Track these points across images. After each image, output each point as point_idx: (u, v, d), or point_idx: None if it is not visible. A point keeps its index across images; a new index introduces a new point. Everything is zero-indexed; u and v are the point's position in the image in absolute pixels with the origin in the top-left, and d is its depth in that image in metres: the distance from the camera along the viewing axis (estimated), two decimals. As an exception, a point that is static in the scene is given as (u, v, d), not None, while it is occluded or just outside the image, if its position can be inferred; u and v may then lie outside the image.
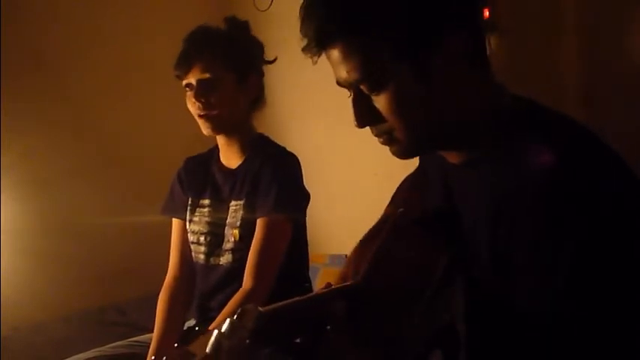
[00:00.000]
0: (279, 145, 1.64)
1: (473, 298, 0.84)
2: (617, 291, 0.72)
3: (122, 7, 2.58)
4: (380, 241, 0.87)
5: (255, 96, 1.60)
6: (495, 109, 0.84)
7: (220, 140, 1.62)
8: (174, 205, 1.69)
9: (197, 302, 1.65)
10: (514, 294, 0.78)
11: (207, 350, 0.71)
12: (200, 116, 1.53)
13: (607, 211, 0.72)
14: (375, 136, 0.85)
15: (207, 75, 1.50)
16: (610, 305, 0.72)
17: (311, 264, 1.72)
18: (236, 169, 1.61)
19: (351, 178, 2.42)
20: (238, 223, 1.54)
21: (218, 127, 1.55)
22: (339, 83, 0.85)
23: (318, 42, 0.81)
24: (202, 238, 1.61)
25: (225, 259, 1.57)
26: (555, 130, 0.81)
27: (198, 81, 1.51)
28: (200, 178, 1.67)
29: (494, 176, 0.82)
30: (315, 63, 0.84)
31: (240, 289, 1.48)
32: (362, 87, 0.81)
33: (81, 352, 1.59)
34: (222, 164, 1.65)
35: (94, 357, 1.57)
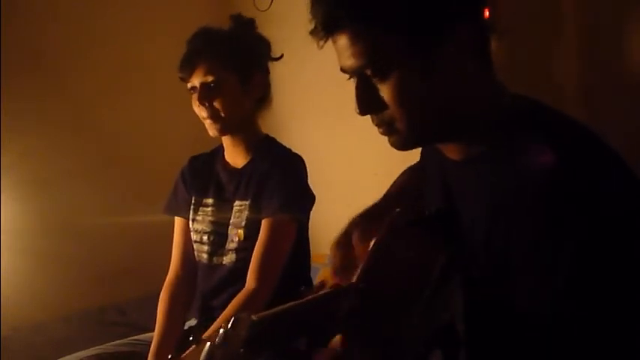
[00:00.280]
0: (285, 147, 1.64)
1: (472, 298, 0.84)
2: (617, 291, 0.72)
3: (122, 7, 2.58)
4: (377, 240, 0.87)
5: (260, 95, 1.60)
6: (496, 107, 0.84)
7: (226, 140, 1.62)
8: (177, 204, 1.69)
9: (199, 302, 1.65)
10: (514, 294, 0.78)
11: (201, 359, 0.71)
12: (205, 118, 1.54)
13: (607, 211, 0.72)
14: (376, 125, 0.85)
15: (209, 78, 1.50)
16: (610, 305, 0.72)
17: (311, 264, 1.72)
18: (241, 168, 1.61)
19: (351, 178, 2.42)
20: (243, 223, 1.54)
21: (224, 129, 1.55)
22: (343, 70, 0.84)
23: (325, 26, 0.81)
24: (205, 238, 1.61)
25: (228, 258, 1.57)
26: (556, 130, 0.81)
27: (202, 84, 1.51)
28: (204, 177, 1.67)
29: (494, 175, 0.82)
30: (320, 47, 0.84)
31: (244, 289, 1.48)
32: (367, 73, 0.81)
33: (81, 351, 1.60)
34: (227, 163, 1.65)
35: (94, 355, 1.58)
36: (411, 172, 1.15)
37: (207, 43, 1.53)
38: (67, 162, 2.38)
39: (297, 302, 0.80)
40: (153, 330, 1.61)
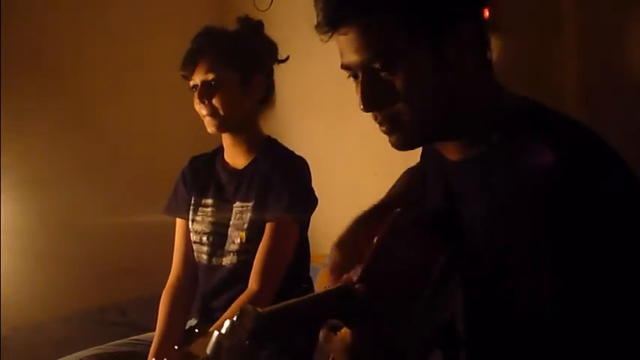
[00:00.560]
0: (287, 148, 1.64)
1: (472, 298, 0.84)
2: (618, 291, 0.72)
3: (122, 7, 2.58)
4: (378, 240, 0.87)
5: (261, 96, 1.60)
6: (495, 107, 0.84)
7: (226, 140, 1.62)
8: (177, 204, 1.69)
9: (199, 302, 1.65)
10: (514, 294, 0.78)
11: (208, 351, 0.72)
12: (204, 116, 1.54)
13: (607, 211, 0.72)
14: (379, 122, 0.84)
15: (210, 76, 1.50)
16: (610, 305, 0.72)
17: (311, 264, 1.72)
18: (242, 169, 1.61)
19: (351, 178, 2.42)
20: (245, 225, 1.54)
21: (222, 126, 1.55)
22: (347, 66, 0.83)
23: (331, 20, 0.80)
24: (205, 238, 1.61)
25: (228, 260, 1.57)
26: (556, 130, 0.81)
27: (202, 82, 1.51)
28: (204, 177, 1.67)
29: (494, 175, 0.82)
30: (325, 42, 0.83)
31: (247, 290, 1.48)
32: (375, 67, 0.80)
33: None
34: (227, 163, 1.65)
35: (94, 355, 1.58)
36: (411, 174, 1.15)
37: (209, 42, 1.54)
38: (67, 162, 2.38)
39: (301, 298, 0.81)
40: (153, 330, 1.61)
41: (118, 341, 1.67)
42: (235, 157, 1.63)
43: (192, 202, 1.66)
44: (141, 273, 2.36)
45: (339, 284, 0.90)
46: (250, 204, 1.55)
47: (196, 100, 1.53)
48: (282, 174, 1.53)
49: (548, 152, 0.76)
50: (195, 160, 1.72)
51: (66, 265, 2.34)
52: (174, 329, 1.60)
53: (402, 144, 0.85)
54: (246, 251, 1.54)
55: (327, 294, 0.84)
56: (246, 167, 1.60)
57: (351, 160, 2.44)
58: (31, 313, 2.25)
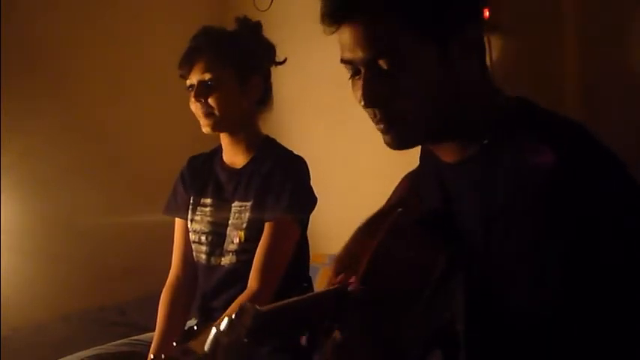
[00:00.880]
0: (286, 148, 1.64)
1: (472, 298, 0.84)
2: (616, 291, 0.72)
3: (122, 7, 2.58)
4: (378, 240, 0.87)
5: (258, 97, 1.60)
6: (493, 108, 0.84)
7: (224, 139, 1.62)
8: (176, 204, 1.69)
9: (199, 302, 1.65)
10: (513, 294, 0.78)
11: (206, 348, 0.72)
12: (200, 116, 1.54)
13: (605, 211, 0.72)
14: (377, 120, 0.83)
15: (207, 75, 1.51)
16: (609, 305, 0.72)
17: (311, 264, 1.72)
18: (241, 168, 1.61)
19: (351, 178, 2.42)
20: (244, 225, 1.54)
21: (216, 126, 1.55)
22: (349, 62, 0.83)
23: (338, 14, 0.80)
24: (204, 238, 1.61)
25: (227, 259, 1.56)
26: (553, 130, 0.81)
27: (199, 82, 1.52)
28: (203, 176, 1.67)
29: (491, 176, 0.82)
30: (330, 34, 0.82)
31: (246, 289, 1.48)
32: (379, 64, 0.79)
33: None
34: (225, 163, 1.65)
35: (95, 355, 1.58)
36: (410, 179, 1.15)
37: (207, 42, 1.54)
38: (67, 162, 2.38)
39: (300, 297, 0.81)
40: (153, 330, 1.61)
41: (118, 341, 1.67)
42: (234, 156, 1.63)
43: (191, 201, 1.66)
44: (141, 273, 2.36)
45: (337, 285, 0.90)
46: (249, 203, 1.55)
47: (192, 100, 1.53)
48: (282, 173, 1.53)
49: (545, 152, 0.76)
50: (193, 159, 1.72)
51: (66, 265, 2.34)
52: (174, 329, 1.60)
53: (398, 143, 0.85)
54: (245, 251, 1.54)
55: (325, 293, 0.84)
56: (244, 167, 1.60)
57: (351, 161, 2.44)
58: (31, 313, 2.25)
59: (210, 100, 1.51)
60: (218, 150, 1.68)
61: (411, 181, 1.14)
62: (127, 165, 2.58)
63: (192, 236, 1.64)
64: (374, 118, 0.84)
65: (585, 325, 0.72)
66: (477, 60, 0.83)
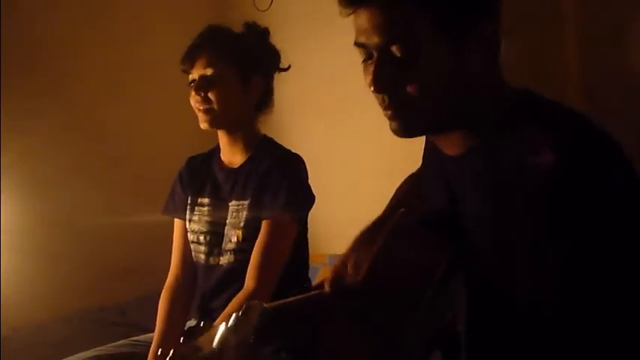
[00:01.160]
0: (283, 147, 1.64)
1: (473, 298, 0.84)
2: (618, 290, 0.72)
3: (122, 7, 2.58)
4: (381, 240, 0.87)
5: (258, 98, 1.60)
6: (499, 99, 0.84)
7: (222, 139, 1.62)
8: (174, 205, 1.69)
9: (198, 302, 1.64)
10: (514, 294, 0.78)
11: (215, 345, 0.72)
12: (199, 110, 1.54)
13: (608, 207, 0.72)
14: (386, 105, 0.83)
15: (209, 70, 1.51)
16: (610, 304, 0.71)
17: (311, 264, 1.72)
18: (238, 167, 1.61)
19: (351, 178, 2.42)
20: (242, 224, 1.54)
21: (214, 122, 1.55)
22: (362, 45, 0.83)
23: None
24: (202, 238, 1.61)
25: (225, 259, 1.56)
26: (558, 121, 0.80)
27: (200, 76, 1.52)
28: (200, 176, 1.67)
29: (494, 167, 0.82)
30: (346, 16, 0.82)
31: (243, 288, 1.48)
32: (393, 49, 0.79)
33: (81, 352, 1.59)
34: (223, 162, 1.64)
35: (95, 356, 1.58)
36: (410, 182, 1.15)
37: (211, 38, 1.55)
38: (67, 162, 2.38)
39: (305, 295, 0.81)
40: (153, 330, 1.61)
41: (118, 342, 1.66)
42: (231, 155, 1.63)
43: (189, 201, 1.66)
44: (141, 273, 2.36)
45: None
46: (246, 202, 1.55)
47: (192, 94, 1.53)
48: (279, 172, 1.53)
49: (546, 144, 0.75)
50: (192, 159, 1.72)
51: (66, 265, 2.34)
52: (174, 329, 1.60)
53: (404, 130, 0.84)
54: (243, 250, 1.53)
55: (331, 292, 0.84)
56: (241, 166, 1.60)
57: (351, 161, 2.44)
58: (31, 313, 2.25)
59: (210, 95, 1.51)
60: (216, 150, 1.68)
61: (410, 185, 1.14)
62: (127, 165, 2.58)
63: (190, 236, 1.64)
64: (382, 103, 0.84)
65: (586, 325, 0.72)
66: (490, 53, 0.83)
